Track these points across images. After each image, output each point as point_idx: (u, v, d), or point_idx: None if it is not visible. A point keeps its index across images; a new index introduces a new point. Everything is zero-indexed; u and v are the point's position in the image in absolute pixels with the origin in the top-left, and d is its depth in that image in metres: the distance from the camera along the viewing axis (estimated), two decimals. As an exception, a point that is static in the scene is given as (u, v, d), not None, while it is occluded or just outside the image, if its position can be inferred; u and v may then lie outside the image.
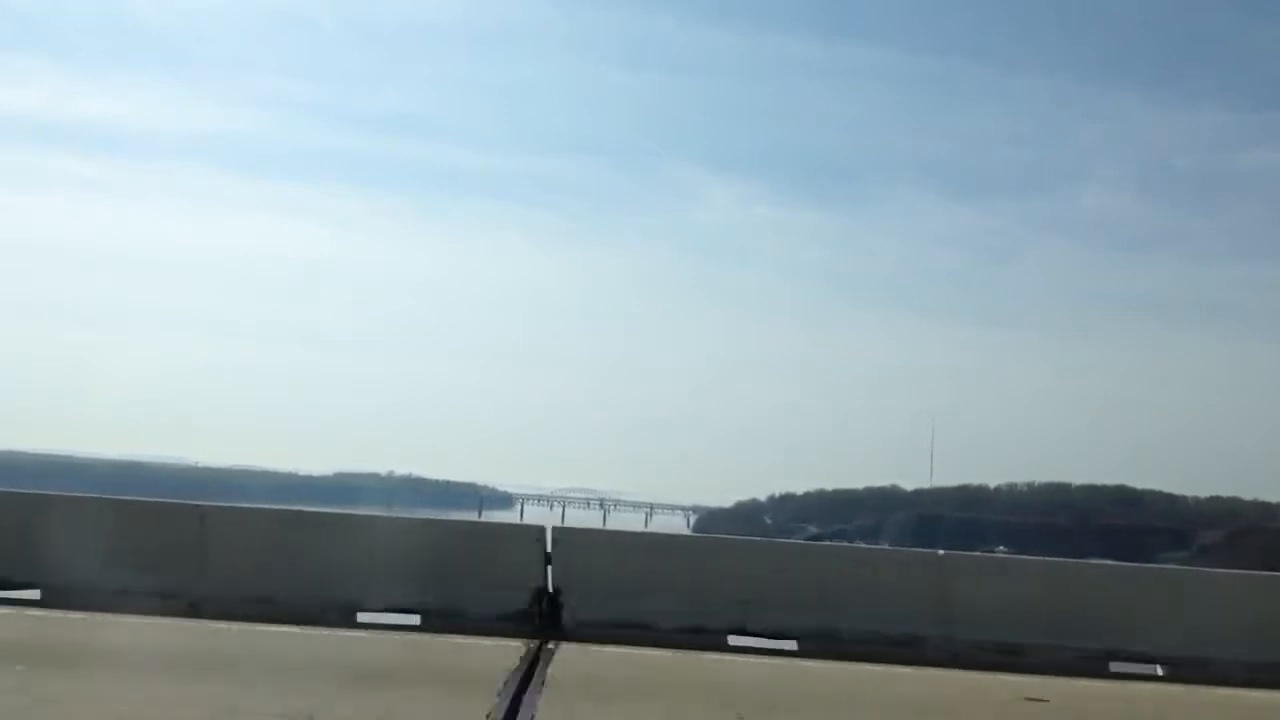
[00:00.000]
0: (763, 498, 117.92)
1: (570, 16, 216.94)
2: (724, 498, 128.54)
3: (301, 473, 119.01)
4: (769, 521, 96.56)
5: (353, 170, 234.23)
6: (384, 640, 9.33)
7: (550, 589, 9.74)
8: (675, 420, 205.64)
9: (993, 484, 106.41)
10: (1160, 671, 9.70)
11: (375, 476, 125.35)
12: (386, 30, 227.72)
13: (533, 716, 6.94)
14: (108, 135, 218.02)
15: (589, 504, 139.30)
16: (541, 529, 10.16)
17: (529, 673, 8.04)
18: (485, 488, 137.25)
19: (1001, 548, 68.25)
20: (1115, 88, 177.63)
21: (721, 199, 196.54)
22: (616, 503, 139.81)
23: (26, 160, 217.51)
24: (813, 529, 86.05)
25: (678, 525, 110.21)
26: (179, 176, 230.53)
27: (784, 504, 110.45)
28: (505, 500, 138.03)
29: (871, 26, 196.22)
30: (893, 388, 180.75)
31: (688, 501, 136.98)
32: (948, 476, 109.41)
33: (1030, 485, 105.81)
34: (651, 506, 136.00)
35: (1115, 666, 9.71)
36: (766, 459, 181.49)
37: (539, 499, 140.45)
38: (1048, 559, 12.90)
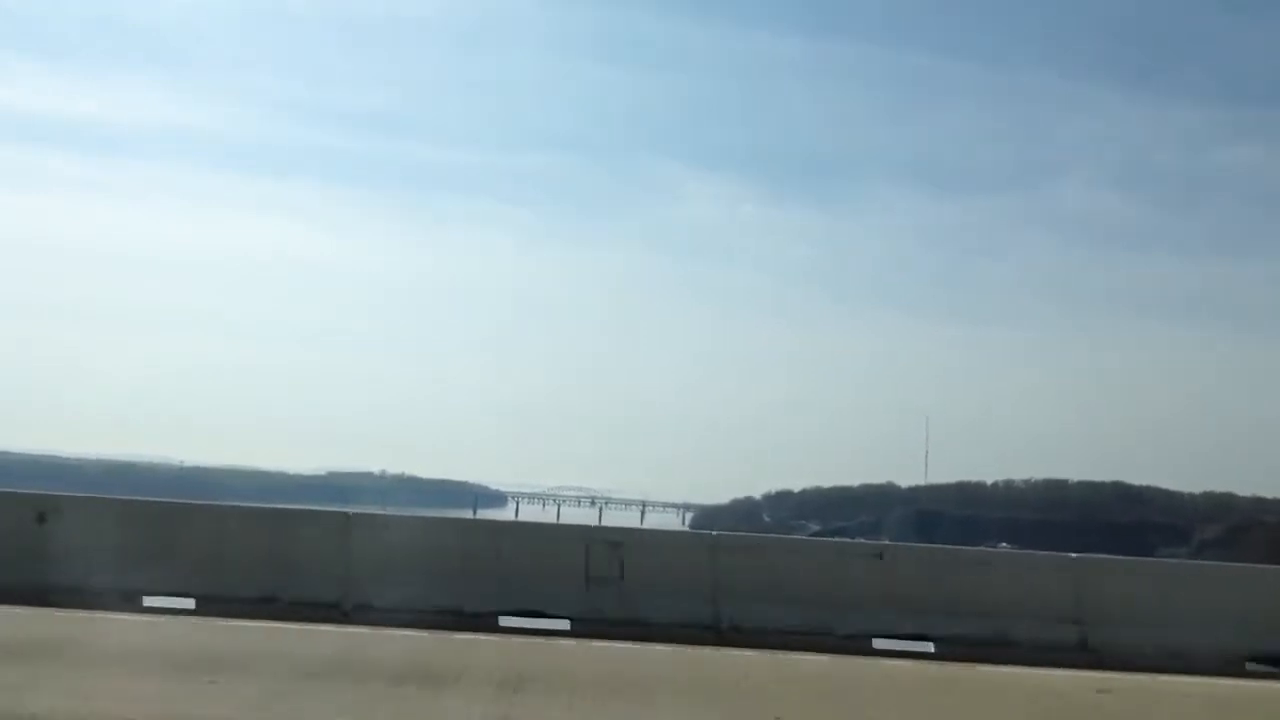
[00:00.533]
0: (758, 495, 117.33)
1: (552, 13, 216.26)
2: (713, 495, 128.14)
3: (291, 472, 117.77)
4: (767, 519, 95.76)
5: (336, 169, 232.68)
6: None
7: None
8: (662, 419, 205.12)
9: (989, 481, 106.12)
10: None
11: (368, 475, 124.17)
12: (368, 27, 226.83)
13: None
14: (103, 135, 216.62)
15: (580, 502, 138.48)
16: None
17: None
18: (478, 486, 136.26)
19: (1004, 544, 67.62)
20: (1097, 84, 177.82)
21: (705, 196, 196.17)
22: (608, 500, 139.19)
23: (23, 160, 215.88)
24: (814, 526, 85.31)
25: (672, 523, 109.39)
26: (168, 176, 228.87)
27: (781, 501, 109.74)
28: (498, 499, 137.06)
29: (853, 23, 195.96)
30: (882, 385, 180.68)
31: (678, 499, 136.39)
32: (941, 474, 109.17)
33: (1027, 482, 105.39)
34: (644, 504, 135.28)
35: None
36: (755, 457, 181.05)
37: (532, 497, 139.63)
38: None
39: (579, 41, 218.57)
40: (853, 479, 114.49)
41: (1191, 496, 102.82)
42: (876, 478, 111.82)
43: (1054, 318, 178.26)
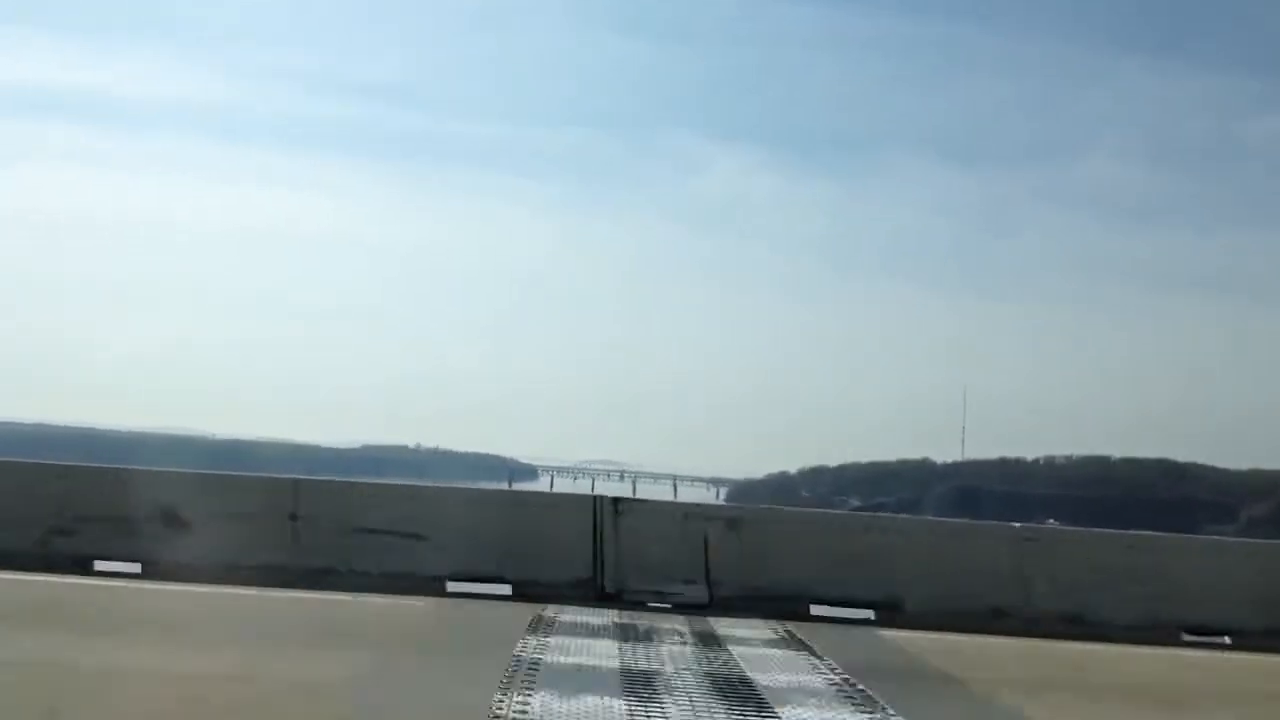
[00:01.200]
0: (792, 470, 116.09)
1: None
2: (736, 469, 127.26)
3: (325, 444, 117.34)
4: (806, 495, 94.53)
5: (348, 141, 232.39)
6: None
7: None
8: (680, 393, 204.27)
9: (1030, 457, 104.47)
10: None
11: (403, 449, 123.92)
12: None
13: None
14: (113, 106, 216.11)
15: (609, 475, 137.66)
16: None
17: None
18: (509, 460, 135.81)
19: (1051, 520, 66.21)
20: (1119, 55, 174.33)
21: (722, 169, 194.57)
22: (638, 474, 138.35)
23: (29, 131, 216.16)
24: (855, 502, 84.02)
25: (706, 498, 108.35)
26: (178, 148, 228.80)
27: (817, 477, 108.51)
28: (529, 473, 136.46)
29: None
30: (907, 359, 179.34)
31: (702, 473, 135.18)
32: (975, 450, 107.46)
33: (1069, 458, 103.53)
34: (675, 478, 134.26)
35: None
36: (780, 432, 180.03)
37: (561, 471, 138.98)
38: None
39: (594, 13, 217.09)
40: (884, 454, 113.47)
41: (1238, 473, 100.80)
42: (910, 453, 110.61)
43: (1080, 292, 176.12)
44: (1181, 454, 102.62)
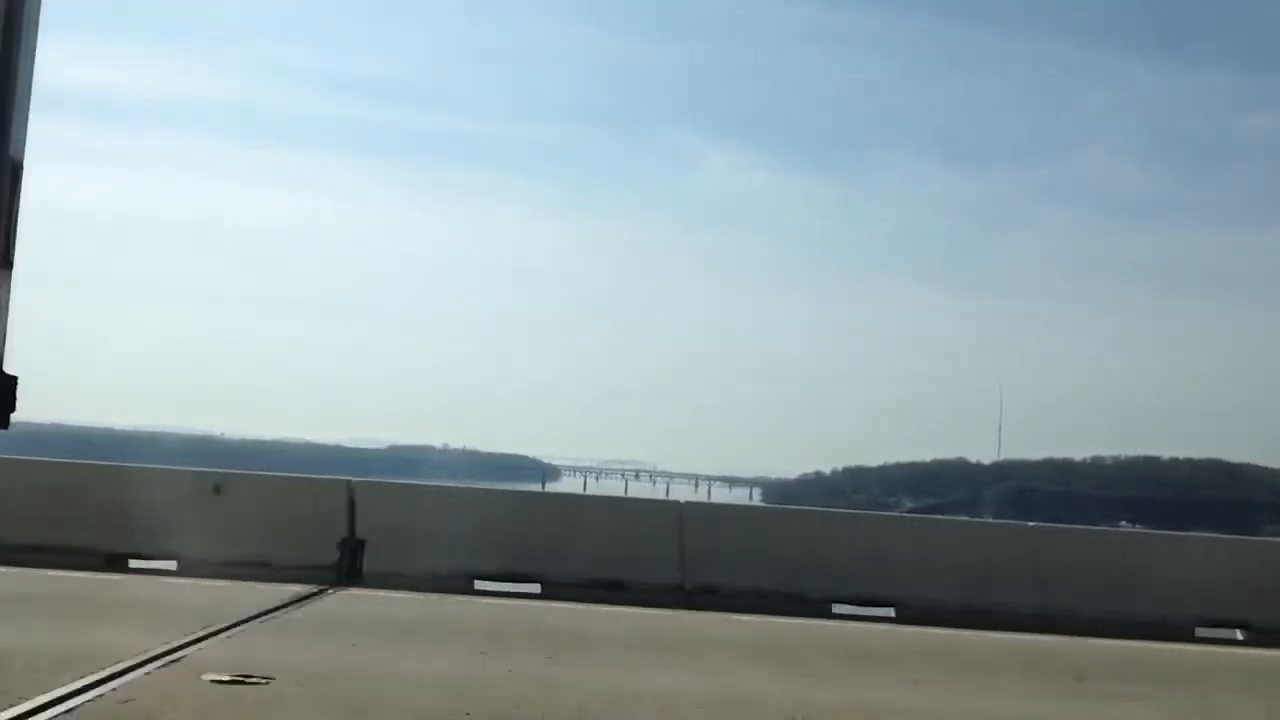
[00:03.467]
0: (827, 470, 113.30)
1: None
2: (751, 468, 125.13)
3: (350, 445, 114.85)
4: (857, 495, 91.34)
5: (348, 138, 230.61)
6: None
7: None
8: (689, 392, 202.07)
9: (1077, 457, 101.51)
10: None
11: (430, 449, 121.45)
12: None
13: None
14: (115, 105, 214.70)
15: (623, 474, 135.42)
16: None
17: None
18: (535, 460, 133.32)
19: (1124, 522, 63.29)
20: (1118, 52, 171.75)
21: (720, 166, 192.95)
22: (654, 473, 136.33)
23: (31, 129, 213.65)
24: (908, 503, 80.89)
25: (739, 498, 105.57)
26: (182, 146, 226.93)
27: (859, 477, 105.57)
28: (552, 473, 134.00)
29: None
30: (912, 356, 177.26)
31: (718, 472, 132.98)
32: (1010, 449, 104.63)
33: (1116, 459, 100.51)
34: (695, 478, 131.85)
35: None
36: (783, 431, 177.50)
37: (587, 471, 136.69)
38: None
39: (591, 10, 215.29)
40: (914, 453, 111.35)
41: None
42: (942, 452, 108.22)
43: (1082, 289, 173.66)
44: (1235, 454, 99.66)
